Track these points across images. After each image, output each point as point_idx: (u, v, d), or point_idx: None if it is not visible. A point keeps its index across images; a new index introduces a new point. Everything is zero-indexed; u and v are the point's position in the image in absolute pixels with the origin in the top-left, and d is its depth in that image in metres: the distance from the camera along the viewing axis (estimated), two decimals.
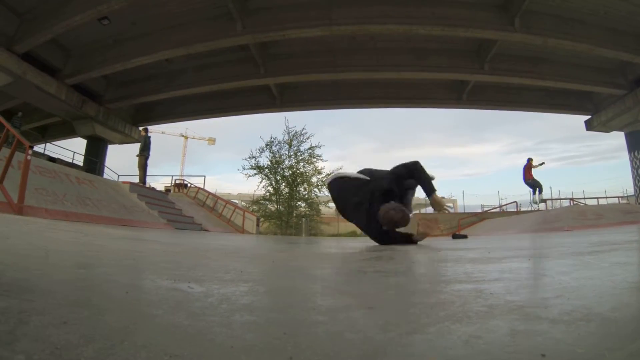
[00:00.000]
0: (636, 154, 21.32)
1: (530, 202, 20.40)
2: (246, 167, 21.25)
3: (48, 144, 23.95)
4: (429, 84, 22.16)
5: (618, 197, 29.34)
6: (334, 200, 5.08)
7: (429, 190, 4.56)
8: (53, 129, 25.90)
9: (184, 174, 41.55)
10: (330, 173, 21.03)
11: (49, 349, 0.59)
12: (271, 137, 21.59)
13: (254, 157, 21.31)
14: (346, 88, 22.43)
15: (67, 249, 2.40)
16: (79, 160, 23.24)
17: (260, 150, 21.51)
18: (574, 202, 24.42)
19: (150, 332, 0.72)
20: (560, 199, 28.11)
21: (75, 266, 1.62)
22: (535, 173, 18.22)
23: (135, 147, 17.40)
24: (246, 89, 21.90)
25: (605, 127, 23.10)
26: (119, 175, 23.91)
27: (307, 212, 22.38)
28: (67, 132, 24.43)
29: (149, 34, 17.17)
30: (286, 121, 21.05)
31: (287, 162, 21.42)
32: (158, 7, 15.83)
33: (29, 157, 6.98)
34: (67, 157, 23.00)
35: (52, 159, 18.21)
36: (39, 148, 21.94)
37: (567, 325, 0.74)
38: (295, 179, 21.08)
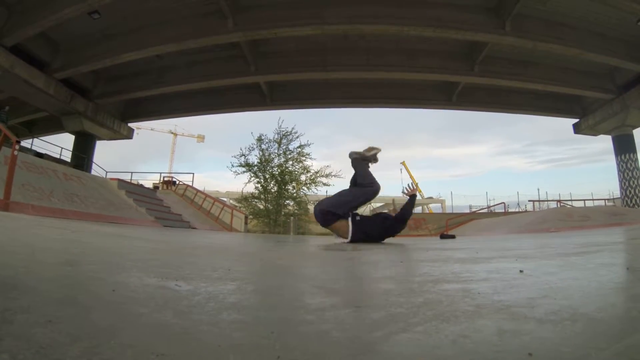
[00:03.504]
0: (623, 157, 21.62)
1: None
2: (235, 165, 21.19)
3: (35, 139, 23.65)
4: (420, 85, 22.27)
5: (604, 199, 29.73)
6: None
7: None
8: (41, 124, 25.59)
9: (173, 171, 41.37)
10: (318, 171, 21.07)
11: (34, 348, 0.58)
12: (261, 135, 21.49)
13: (243, 154, 21.24)
14: (336, 87, 22.46)
15: (54, 246, 2.37)
16: (67, 156, 22.98)
17: (250, 148, 21.45)
18: (561, 204, 24.68)
19: (137, 330, 0.71)
20: (548, 201, 28.41)
21: (61, 264, 1.60)
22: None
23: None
24: (236, 86, 21.85)
25: (593, 131, 23.42)
26: (107, 172, 23.70)
27: (296, 211, 22.35)
28: (55, 127, 24.16)
29: (140, 29, 17.03)
30: (280, 120, 21.04)
31: (276, 161, 21.38)
32: (149, 2, 15.72)
33: (15, 153, 6.90)
34: (54, 152, 22.72)
35: (40, 155, 17.98)
36: (26, 143, 21.64)
37: (553, 324, 0.75)
38: (284, 178, 21.04)
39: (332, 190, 24.04)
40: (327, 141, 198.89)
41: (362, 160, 5.62)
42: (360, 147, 5.75)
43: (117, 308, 0.90)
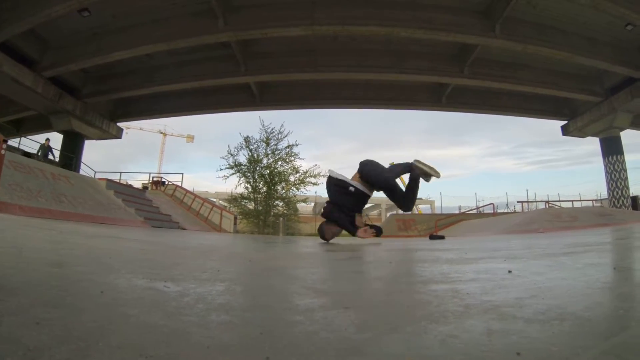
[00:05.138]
0: (610, 159, 21.87)
1: None
2: (223, 167, 21.17)
3: (23, 139, 23.36)
4: (409, 86, 22.31)
5: (592, 200, 30.03)
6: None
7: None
8: (28, 122, 25.25)
9: (162, 171, 41.14)
10: (307, 171, 21.09)
11: (21, 350, 0.57)
12: (247, 136, 21.50)
13: (231, 154, 21.23)
14: (326, 88, 22.45)
15: (41, 247, 2.35)
16: (55, 155, 22.73)
17: (238, 148, 21.45)
18: (549, 205, 24.89)
19: (126, 332, 0.71)
20: (536, 202, 28.66)
21: (49, 265, 1.59)
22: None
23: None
24: (226, 86, 21.76)
25: (581, 133, 23.66)
26: (95, 172, 23.49)
27: (285, 212, 22.36)
28: (43, 126, 23.83)
29: (130, 27, 16.89)
30: (261, 120, 21.06)
31: (265, 161, 21.37)
32: (139, 1, 15.62)
33: (2, 152, 6.81)
34: None
35: (27, 154, 17.79)
36: (13, 142, 21.36)
37: (541, 324, 0.76)
38: (273, 178, 21.03)
39: (321, 191, 24.09)
40: (317, 142, 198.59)
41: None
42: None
43: (106, 309, 0.89)
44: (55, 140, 23.56)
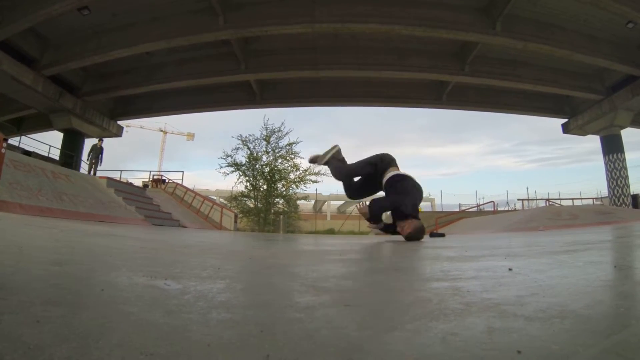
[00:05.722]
0: (611, 157, 21.86)
1: None
2: (223, 166, 21.16)
3: (23, 137, 23.35)
4: (410, 84, 22.31)
5: (592, 198, 30.04)
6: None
7: None
8: (28, 121, 25.25)
9: (162, 169, 41.12)
10: (307, 169, 21.08)
11: (22, 349, 0.57)
12: (246, 135, 21.46)
13: (229, 155, 21.21)
14: (326, 86, 22.45)
15: (42, 246, 2.35)
16: (55, 154, 22.73)
17: (237, 147, 21.44)
18: (550, 203, 24.90)
19: (126, 330, 0.71)
20: (537, 200, 28.65)
21: (49, 263, 1.59)
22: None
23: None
24: (226, 84, 21.78)
25: (582, 131, 23.64)
26: (96, 170, 23.46)
27: (285, 209, 22.37)
28: (43, 124, 23.85)
29: (130, 25, 16.89)
30: (265, 118, 21.02)
31: (264, 159, 21.36)
32: None
33: (3, 150, 6.81)
34: (42, 150, 22.45)
35: (27, 153, 17.77)
36: (13, 141, 21.35)
37: (542, 322, 0.75)
38: (273, 176, 21.03)
39: (322, 188, 24.16)
40: (317, 140, 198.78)
41: (337, 160, 5.21)
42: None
43: (106, 307, 0.89)
44: (56, 138, 23.60)
